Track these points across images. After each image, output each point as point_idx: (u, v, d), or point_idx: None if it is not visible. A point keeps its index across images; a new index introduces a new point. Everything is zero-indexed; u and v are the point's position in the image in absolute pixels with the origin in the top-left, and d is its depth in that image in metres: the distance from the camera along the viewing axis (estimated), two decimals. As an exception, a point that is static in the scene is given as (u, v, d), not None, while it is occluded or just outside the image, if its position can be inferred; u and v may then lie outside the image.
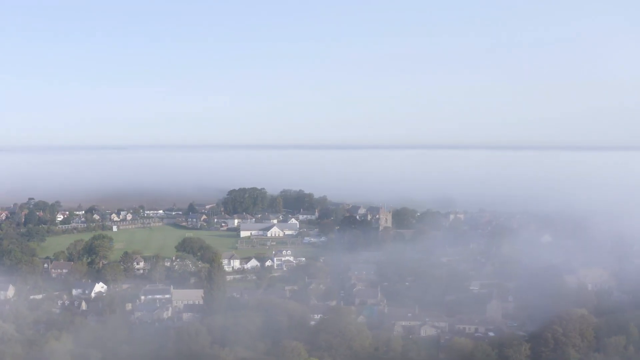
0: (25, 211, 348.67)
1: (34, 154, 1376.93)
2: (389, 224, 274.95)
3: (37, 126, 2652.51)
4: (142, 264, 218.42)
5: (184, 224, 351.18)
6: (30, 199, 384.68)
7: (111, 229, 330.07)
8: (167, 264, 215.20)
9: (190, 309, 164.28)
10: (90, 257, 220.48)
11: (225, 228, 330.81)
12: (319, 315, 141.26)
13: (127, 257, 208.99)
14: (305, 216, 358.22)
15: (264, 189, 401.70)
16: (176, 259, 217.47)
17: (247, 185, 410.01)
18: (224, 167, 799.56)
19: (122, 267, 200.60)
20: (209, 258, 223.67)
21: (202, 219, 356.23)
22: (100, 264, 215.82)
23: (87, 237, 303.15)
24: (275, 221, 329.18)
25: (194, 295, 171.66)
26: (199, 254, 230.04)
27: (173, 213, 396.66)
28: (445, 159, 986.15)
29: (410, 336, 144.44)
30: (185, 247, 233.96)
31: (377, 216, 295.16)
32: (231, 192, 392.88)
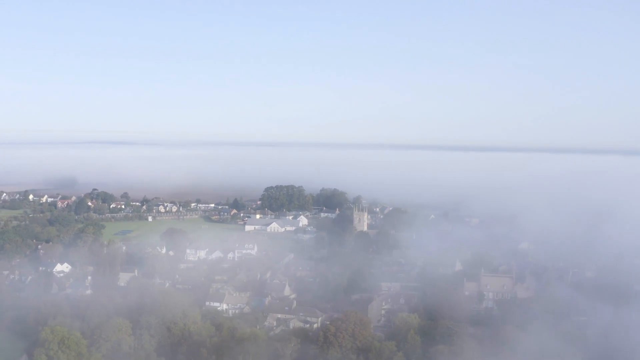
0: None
1: (181, 149, 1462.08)
2: (363, 223, 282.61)
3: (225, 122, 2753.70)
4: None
5: (214, 217, 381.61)
6: (94, 189, 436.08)
7: (147, 219, 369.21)
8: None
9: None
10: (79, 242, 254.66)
11: (242, 223, 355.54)
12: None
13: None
14: (326, 214, 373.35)
15: (301, 186, 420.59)
16: (147, 247, 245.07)
17: (296, 183, 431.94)
18: (312, 164, 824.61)
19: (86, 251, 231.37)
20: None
21: (231, 213, 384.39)
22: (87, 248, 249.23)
23: (123, 224, 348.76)
24: (290, 217, 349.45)
25: (125, 278, 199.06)
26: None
27: (219, 207, 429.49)
28: (517, 161, 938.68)
29: (282, 328, 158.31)
30: (166, 238, 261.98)
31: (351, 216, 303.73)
32: (268, 189, 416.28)
